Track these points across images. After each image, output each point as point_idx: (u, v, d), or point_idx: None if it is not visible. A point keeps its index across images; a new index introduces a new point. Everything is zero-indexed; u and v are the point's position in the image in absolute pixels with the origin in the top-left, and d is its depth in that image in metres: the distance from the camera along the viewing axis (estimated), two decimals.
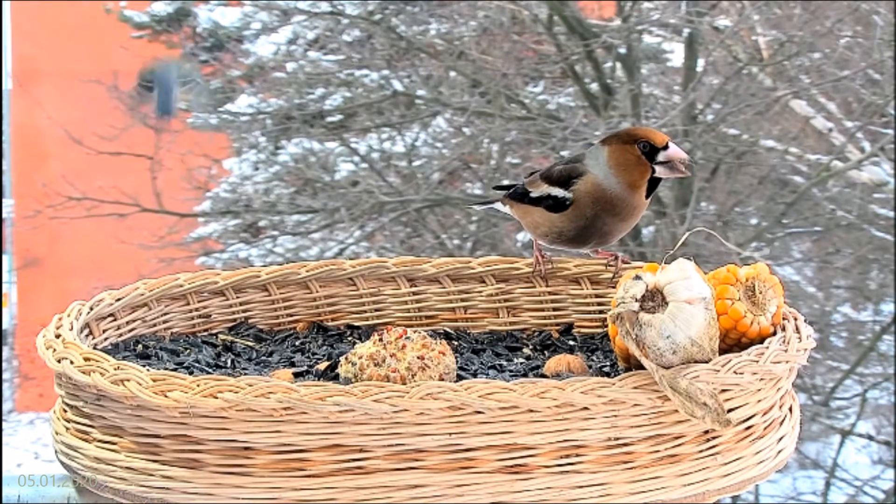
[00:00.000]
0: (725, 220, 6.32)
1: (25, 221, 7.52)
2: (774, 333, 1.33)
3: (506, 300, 1.60)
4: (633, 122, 6.19)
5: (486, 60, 6.68)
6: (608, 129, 6.10)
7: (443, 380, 1.30)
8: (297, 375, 1.41)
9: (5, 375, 7.44)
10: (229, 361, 1.46)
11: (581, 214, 1.55)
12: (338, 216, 6.59)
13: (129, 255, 6.65)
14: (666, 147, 1.51)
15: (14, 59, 9.29)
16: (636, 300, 1.27)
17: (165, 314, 1.54)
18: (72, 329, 1.39)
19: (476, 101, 6.47)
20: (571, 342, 1.55)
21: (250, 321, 1.58)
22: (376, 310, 1.61)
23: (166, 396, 1.24)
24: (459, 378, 1.33)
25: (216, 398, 1.23)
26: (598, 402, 1.24)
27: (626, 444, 1.26)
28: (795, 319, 1.36)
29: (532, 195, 1.60)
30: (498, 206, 1.68)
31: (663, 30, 6.88)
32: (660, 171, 1.52)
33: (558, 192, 1.57)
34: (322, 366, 1.42)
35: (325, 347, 1.53)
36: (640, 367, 1.27)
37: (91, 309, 1.46)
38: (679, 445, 1.27)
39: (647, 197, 1.55)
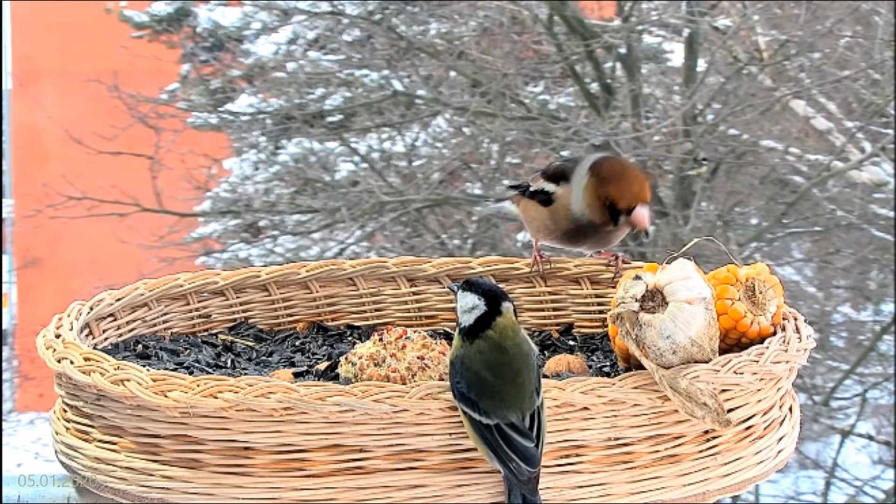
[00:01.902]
0: (726, 220, 6.31)
1: (25, 221, 7.51)
2: (774, 333, 1.33)
3: None
4: (634, 122, 6.19)
5: (486, 60, 6.68)
6: (609, 130, 6.10)
7: (443, 380, 1.30)
8: (297, 375, 1.41)
9: (5, 375, 7.43)
10: (229, 361, 1.46)
11: (557, 220, 1.57)
12: (338, 216, 6.59)
13: (129, 255, 6.64)
14: (629, 212, 1.51)
15: (14, 59, 9.28)
16: (636, 300, 1.27)
17: (165, 314, 1.54)
18: (72, 329, 1.39)
19: (476, 101, 6.47)
20: (571, 342, 1.55)
21: (250, 321, 1.58)
22: (376, 310, 1.61)
23: (166, 396, 1.24)
24: None
25: (216, 398, 1.23)
26: (598, 402, 1.24)
27: (626, 444, 1.26)
28: (795, 319, 1.36)
29: (530, 189, 1.61)
30: (507, 204, 1.69)
31: (663, 30, 6.88)
32: (620, 225, 1.52)
33: (550, 186, 1.59)
34: (322, 366, 1.42)
35: (325, 347, 1.53)
36: (640, 367, 1.27)
37: (91, 309, 1.46)
38: (679, 445, 1.27)
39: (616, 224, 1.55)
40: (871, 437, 6.55)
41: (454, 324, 1.61)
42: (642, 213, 1.51)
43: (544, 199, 1.59)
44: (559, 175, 1.58)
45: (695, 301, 1.27)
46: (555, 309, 1.60)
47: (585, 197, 1.54)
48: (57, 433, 1.35)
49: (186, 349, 1.48)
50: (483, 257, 1.64)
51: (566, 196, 1.56)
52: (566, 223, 1.56)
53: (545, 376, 1.38)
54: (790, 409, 1.37)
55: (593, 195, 1.53)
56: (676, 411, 1.26)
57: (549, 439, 1.24)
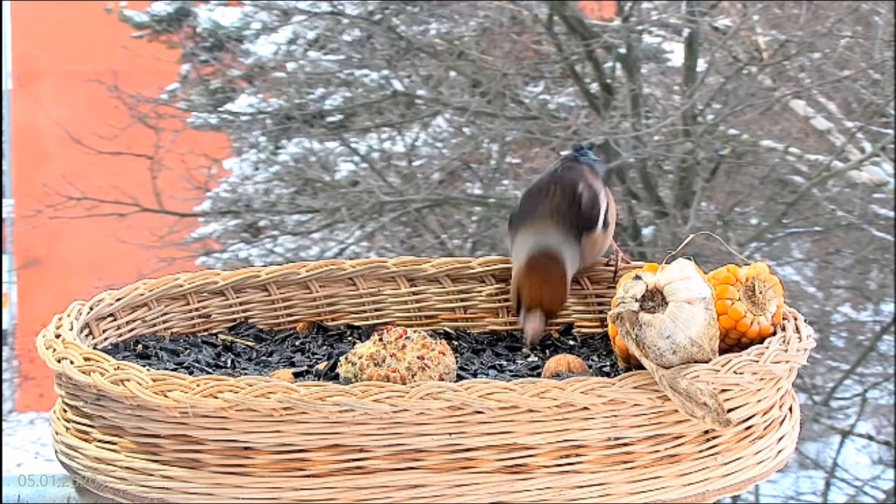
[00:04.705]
0: (726, 220, 6.32)
1: (25, 221, 7.52)
2: (774, 333, 1.33)
3: (506, 300, 1.60)
4: (634, 122, 6.19)
5: (486, 60, 6.69)
6: (609, 129, 6.10)
7: (443, 380, 1.30)
8: (297, 375, 1.41)
9: (5, 375, 7.44)
10: (229, 361, 1.46)
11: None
12: (338, 216, 6.59)
13: (129, 255, 6.65)
14: (529, 311, 1.51)
15: (14, 59, 9.29)
16: (636, 300, 1.27)
17: (165, 314, 1.54)
18: (72, 329, 1.39)
19: (476, 101, 6.47)
20: (571, 342, 1.55)
21: (250, 321, 1.58)
22: (376, 310, 1.61)
23: (166, 396, 1.24)
24: (459, 378, 1.33)
25: (216, 398, 1.23)
26: (598, 402, 1.24)
27: (626, 444, 1.26)
28: (795, 319, 1.36)
29: None
30: None
31: (663, 30, 6.88)
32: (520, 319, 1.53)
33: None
34: (322, 366, 1.42)
35: (325, 347, 1.53)
36: (640, 367, 1.27)
37: (91, 309, 1.46)
38: (679, 445, 1.27)
39: None
40: (871, 437, 6.55)
41: (454, 324, 1.61)
42: (533, 322, 1.51)
43: None
44: (511, 220, 1.58)
45: (695, 301, 1.27)
46: None
47: (514, 272, 1.54)
48: (57, 433, 1.35)
49: (186, 349, 1.48)
50: (483, 257, 1.64)
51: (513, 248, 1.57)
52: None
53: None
54: (790, 409, 1.37)
55: (515, 279, 1.53)
56: (676, 411, 1.25)
57: (549, 439, 1.24)
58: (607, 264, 1.59)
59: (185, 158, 7.00)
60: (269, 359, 1.49)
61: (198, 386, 1.24)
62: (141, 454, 1.27)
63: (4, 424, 7.61)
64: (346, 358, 1.35)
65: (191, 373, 1.39)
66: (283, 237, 7.04)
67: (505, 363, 1.46)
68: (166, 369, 1.35)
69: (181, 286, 1.54)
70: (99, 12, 8.16)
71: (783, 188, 6.54)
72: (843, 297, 6.71)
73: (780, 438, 1.34)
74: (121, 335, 1.49)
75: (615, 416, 1.25)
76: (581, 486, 1.25)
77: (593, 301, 1.59)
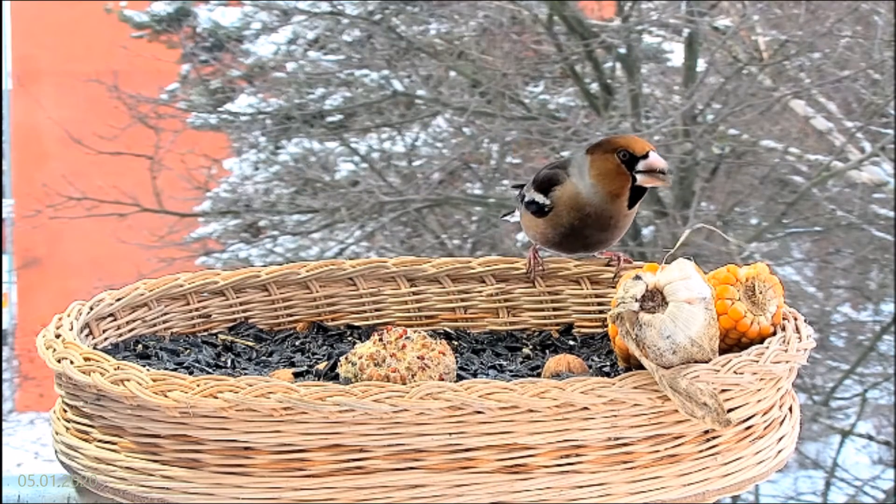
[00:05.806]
0: (725, 220, 6.31)
1: (25, 221, 7.52)
2: (774, 333, 1.33)
3: (506, 300, 1.60)
4: (633, 122, 6.19)
5: (486, 60, 6.68)
6: (609, 129, 6.10)
7: (443, 380, 1.30)
8: (297, 375, 1.41)
9: (5, 375, 7.43)
10: (229, 361, 1.46)
11: (559, 222, 1.56)
12: (338, 216, 6.59)
13: (129, 255, 6.64)
14: (646, 156, 1.51)
15: (14, 59, 9.29)
16: (636, 300, 1.27)
17: (165, 314, 1.54)
18: (72, 329, 1.39)
19: (476, 101, 6.47)
20: (571, 342, 1.55)
21: (250, 321, 1.58)
22: (376, 310, 1.61)
23: (166, 396, 1.24)
24: (459, 378, 1.33)
25: (216, 398, 1.23)
26: (598, 402, 1.24)
27: (626, 444, 1.26)
28: (795, 319, 1.36)
29: (525, 199, 1.61)
30: (516, 213, 1.68)
31: (663, 30, 6.88)
32: (640, 180, 1.52)
33: (539, 198, 1.58)
34: (322, 366, 1.42)
35: (325, 347, 1.53)
36: (640, 367, 1.27)
37: (91, 309, 1.46)
38: (679, 445, 1.27)
39: (631, 207, 1.54)
40: (871, 437, 6.55)
41: (454, 324, 1.61)
42: (658, 156, 1.51)
43: (536, 210, 1.58)
44: (549, 182, 1.57)
45: (695, 301, 1.27)
46: (555, 309, 1.60)
47: (595, 167, 1.53)
48: (57, 433, 1.35)
49: (186, 349, 1.48)
50: (483, 257, 1.64)
51: (568, 191, 1.55)
52: (569, 219, 1.55)
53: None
54: (790, 409, 1.37)
55: (604, 161, 1.52)
56: (676, 411, 1.26)
57: (549, 439, 1.24)
58: (608, 264, 1.59)
59: (185, 158, 6.99)
60: (269, 359, 1.49)
61: (198, 386, 1.24)
62: (141, 454, 1.27)
63: (4, 424, 7.61)
64: (346, 358, 1.35)
65: (191, 373, 1.39)
66: (283, 237, 7.04)
67: (505, 363, 1.46)
68: (166, 369, 1.35)
69: (181, 286, 1.54)
70: (99, 12, 8.16)
71: (783, 188, 6.54)
72: (843, 297, 6.71)
73: (780, 438, 1.34)
74: (121, 335, 1.49)
75: (615, 416, 1.25)
76: (581, 486, 1.25)
77: (593, 301, 1.59)
